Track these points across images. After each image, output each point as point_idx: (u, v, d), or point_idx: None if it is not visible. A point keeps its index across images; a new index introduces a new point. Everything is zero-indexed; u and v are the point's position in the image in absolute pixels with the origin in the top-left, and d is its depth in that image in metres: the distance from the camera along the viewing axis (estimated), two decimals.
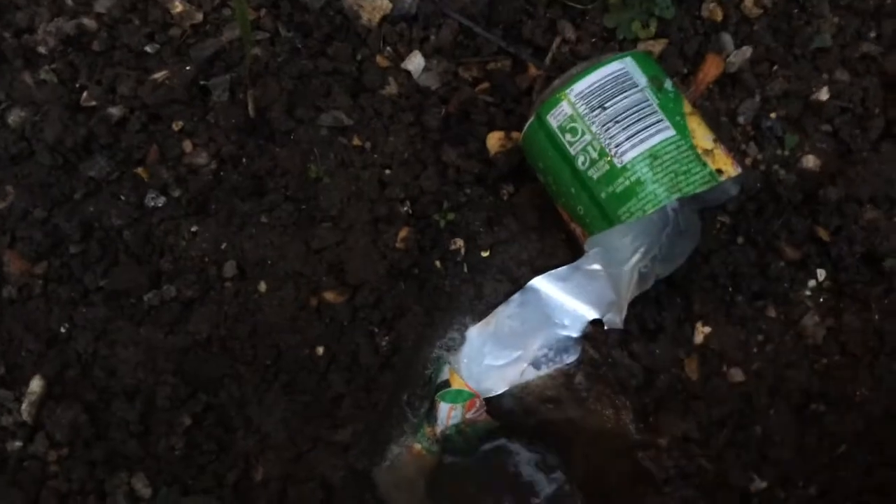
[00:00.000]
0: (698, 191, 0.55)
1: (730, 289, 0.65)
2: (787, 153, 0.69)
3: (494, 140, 0.69)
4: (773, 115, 0.69)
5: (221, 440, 0.61)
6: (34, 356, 0.61)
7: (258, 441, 0.61)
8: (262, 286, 0.63)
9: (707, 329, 0.64)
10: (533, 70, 0.71)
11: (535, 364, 0.64)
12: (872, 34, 0.70)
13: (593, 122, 0.57)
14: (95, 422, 0.60)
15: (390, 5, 0.71)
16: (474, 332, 0.64)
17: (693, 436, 0.61)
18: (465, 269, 0.67)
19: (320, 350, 0.62)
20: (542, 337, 0.64)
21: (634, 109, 0.57)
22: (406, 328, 0.63)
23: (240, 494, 0.60)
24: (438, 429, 0.62)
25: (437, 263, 0.67)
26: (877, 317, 0.64)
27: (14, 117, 0.65)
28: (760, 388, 0.63)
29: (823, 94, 0.69)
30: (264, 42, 0.69)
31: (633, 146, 0.56)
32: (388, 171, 0.67)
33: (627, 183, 0.56)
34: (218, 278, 0.63)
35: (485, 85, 0.71)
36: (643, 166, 0.56)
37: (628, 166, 0.56)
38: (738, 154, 0.67)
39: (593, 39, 0.72)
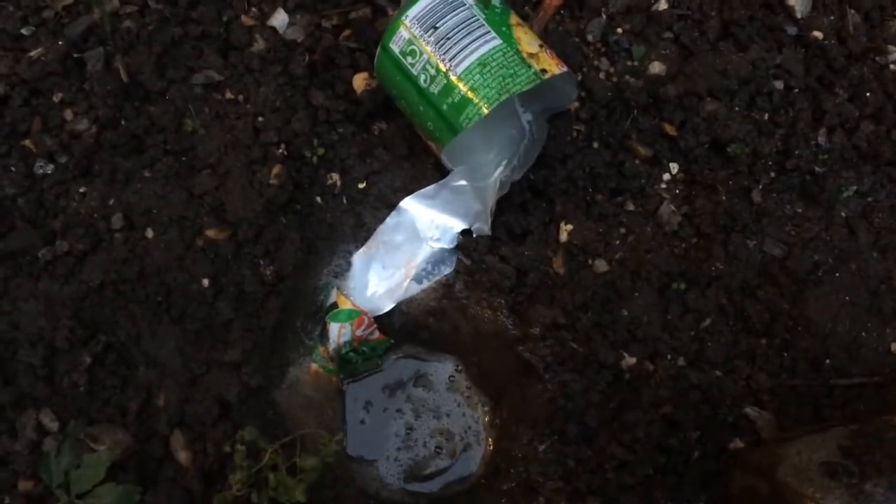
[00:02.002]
0: (525, 89, 0.76)
1: (589, 189, 0.86)
2: (635, 63, 0.90)
3: (360, 81, 0.90)
4: (619, 30, 0.91)
5: (123, 375, 0.80)
6: None
7: (157, 371, 0.80)
8: (149, 233, 0.83)
9: (570, 227, 0.84)
10: (392, 13, 0.92)
11: (417, 279, 0.84)
12: None
13: (428, 42, 0.78)
14: (3, 369, 0.79)
15: None
16: (357, 258, 0.84)
17: (560, 321, 0.81)
18: (345, 201, 0.87)
19: (206, 282, 0.81)
20: (419, 252, 0.84)
21: (463, 25, 0.78)
22: (287, 257, 0.83)
23: (143, 420, 0.79)
24: (331, 347, 0.81)
25: (318, 199, 0.87)
26: (724, 198, 0.85)
27: None
28: (624, 275, 0.83)
29: (663, 5, 0.91)
30: (134, 14, 0.91)
31: (465, 58, 0.77)
32: (260, 119, 0.87)
33: (463, 92, 0.77)
34: (107, 230, 0.84)
35: (347, 32, 0.92)
36: (475, 75, 0.77)
37: (462, 76, 0.77)
38: (592, 70, 0.88)
39: None
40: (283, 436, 0.79)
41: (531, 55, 0.78)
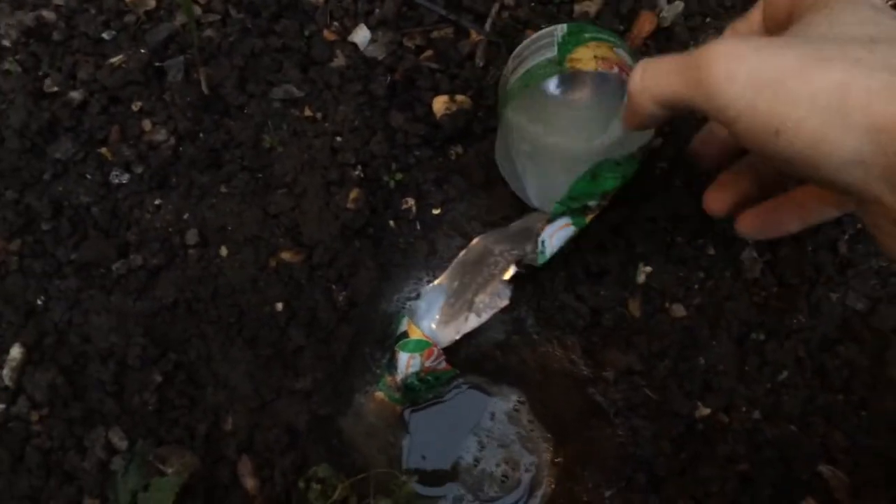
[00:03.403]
0: (542, 82, 0.71)
1: (670, 230, 0.82)
2: None
3: (440, 104, 0.86)
4: None
5: (192, 395, 0.78)
6: (14, 327, 0.79)
7: (226, 394, 0.77)
8: (224, 251, 0.80)
9: (649, 269, 0.81)
10: (474, 36, 0.89)
11: (476, 312, 0.80)
12: None
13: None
14: (73, 384, 0.77)
15: None
16: (430, 290, 0.81)
17: (636, 368, 0.78)
18: (418, 227, 0.84)
19: (280, 306, 0.78)
20: (483, 285, 0.81)
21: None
22: (361, 284, 0.80)
23: (210, 443, 0.76)
24: (399, 377, 0.78)
25: (392, 223, 0.84)
26: (810, 248, 0.80)
27: None
28: (702, 322, 0.80)
29: None
30: (216, 24, 0.87)
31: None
32: (339, 139, 0.84)
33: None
34: (181, 246, 0.81)
35: (429, 52, 0.88)
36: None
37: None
38: None
39: (532, 4, 0.89)
40: (349, 465, 0.76)
41: (575, 60, 0.71)
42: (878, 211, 0.40)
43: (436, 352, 0.79)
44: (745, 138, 0.42)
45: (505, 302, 0.80)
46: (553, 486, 0.81)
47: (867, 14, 0.41)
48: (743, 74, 0.40)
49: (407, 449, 0.81)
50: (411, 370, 0.79)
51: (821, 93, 0.37)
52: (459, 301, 0.81)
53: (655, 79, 0.47)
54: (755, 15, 0.53)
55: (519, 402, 0.82)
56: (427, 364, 0.79)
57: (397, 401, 0.80)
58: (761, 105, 0.40)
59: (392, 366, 0.79)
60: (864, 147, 0.37)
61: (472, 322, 0.80)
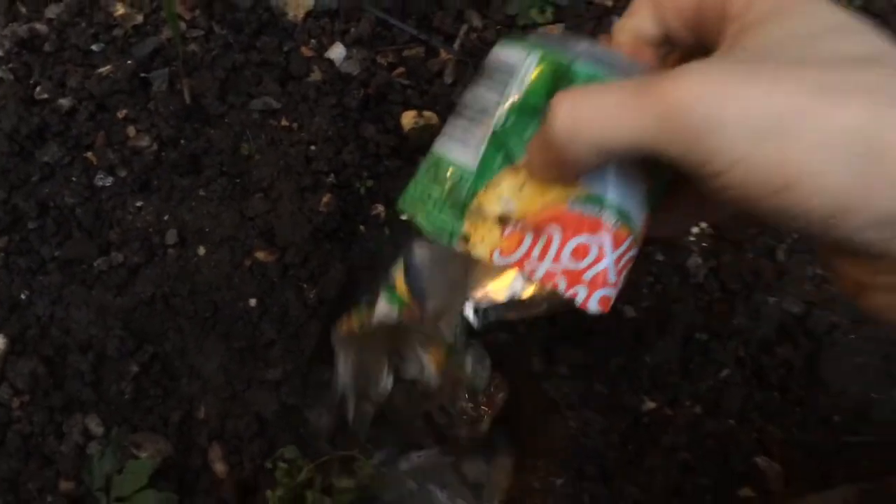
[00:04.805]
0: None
1: None
2: None
3: (408, 118, 0.90)
4: None
5: (167, 385, 0.80)
6: None
7: (199, 384, 0.80)
8: (201, 250, 0.83)
9: None
10: (444, 55, 0.93)
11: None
12: None
13: None
14: (53, 373, 0.79)
15: (313, 2, 0.93)
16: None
17: (587, 362, 0.81)
18: (387, 232, 0.87)
19: (253, 302, 0.81)
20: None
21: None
22: (330, 283, 0.83)
23: (183, 431, 0.79)
24: (372, 318, 0.70)
25: (362, 227, 0.87)
26: (750, 256, 0.85)
27: None
28: (650, 323, 0.83)
29: None
30: (199, 39, 0.91)
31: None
32: (313, 148, 0.88)
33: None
34: (161, 245, 0.84)
35: (400, 70, 0.92)
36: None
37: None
38: None
39: (498, 27, 0.94)
40: (315, 454, 0.79)
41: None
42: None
43: (415, 313, 0.73)
44: (734, 194, 0.31)
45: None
46: (510, 477, 0.83)
47: (841, 21, 0.33)
48: (733, 115, 0.29)
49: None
50: (388, 320, 0.72)
51: (844, 134, 0.28)
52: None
53: (597, 119, 0.33)
54: (643, 11, 0.41)
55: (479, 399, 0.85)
56: (404, 320, 0.73)
57: (364, 333, 0.69)
58: (763, 154, 0.29)
59: (371, 303, 0.72)
60: None
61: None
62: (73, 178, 0.85)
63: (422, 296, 0.67)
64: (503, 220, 0.39)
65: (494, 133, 0.39)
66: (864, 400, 0.81)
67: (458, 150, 0.40)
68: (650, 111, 0.31)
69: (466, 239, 0.40)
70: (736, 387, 0.82)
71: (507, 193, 0.39)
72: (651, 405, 0.81)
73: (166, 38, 0.90)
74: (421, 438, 0.82)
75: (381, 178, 0.88)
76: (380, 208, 0.87)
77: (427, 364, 0.69)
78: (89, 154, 0.86)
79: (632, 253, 0.40)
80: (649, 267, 0.85)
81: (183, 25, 0.91)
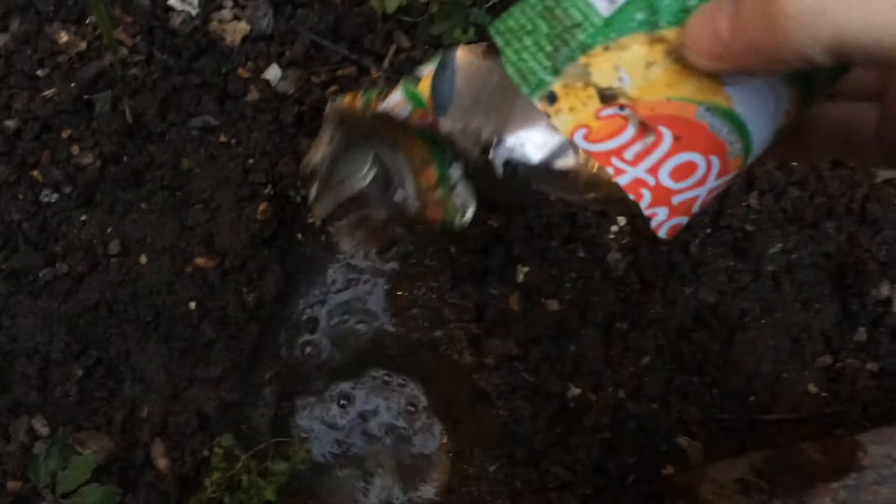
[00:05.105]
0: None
1: (545, 236, 0.91)
2: None
3: None
4: None
5: (111, 387, 0.83)
6: None
7: (142, 385, 0.83)
8: (143, 259, 0.87)
9: (527, 269, 0.89)
10: (375, 73, 0.98)
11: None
12: None
13: None
14: (0, 378, 0.82)
15: (249, 27, 0.98)
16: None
17: (514, 353, 0.86)
18: (323, 239, 0.92)
19: (193, 305, 0.85)
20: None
21: None
22: (268, 286, 0.87)
23: (126, 429, 0.82)
24: (381, 106, 0.63)
25: (299, 235, 0.91)
26: (666, 249, 0.90)
27: None
28: (573, 314, 0.88)
29: None
30: (140, 63, 0.96)
31: None
32: (251, 161, 0.92)
33: None
34: (104, 255, 0.87)
35: (334, 87, 0.98)
36: None
37: None
38: None
39: (425, 47, 1.00)
40: (254, 444, 0.82)
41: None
42: None
43: (428, 119, 0.64)
44: None
45: None
46: (447, 467, 0.87)
47: None
48: None
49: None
50: (396, 112, 0.64)
51: None
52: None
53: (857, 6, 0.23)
54: None
55: (415, 393, 0.89)
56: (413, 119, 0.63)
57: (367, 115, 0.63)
58: None
59: (386, 92, 0.64)
60: None
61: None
62: (20, 196, 0.89)
63: (443, 104, 0.52)
64: (607, 97, 0.30)
65: None
66: (776, 380, 0.86)
67: None
68: None
69: (552, 99, 0.31)
70: (657, 372, 0.87)
71: (628, 65, 0.30)
72: (576, 391, 0.86)
73: (108, 63, 0.95)
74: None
75: None
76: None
77: (411, 182, 0.59)
78: (35, 172, 0.90)
79: (725, 186, 0.34)
80: (572, 263, 0.90)
81: (125, 51, 0.95)
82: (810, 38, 0.24)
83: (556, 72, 0.30)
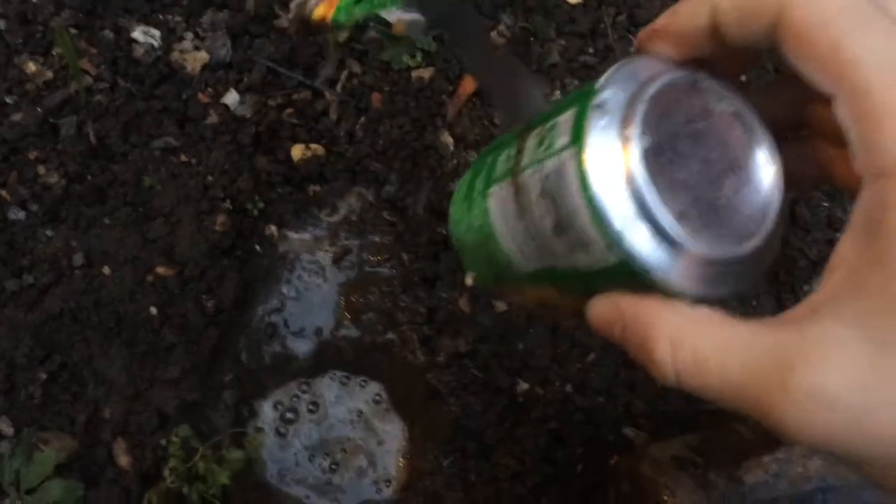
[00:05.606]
0: None
1: None
2: None
3: (298, 150, 1.00)
4: None
5: (74, 390, 0.86)
6: None
7: (105, 388, 0.86)
8: (106, 270, 0.91)
9: (474, 274, 0.94)
10: (329, 96, 1.04)
11: None
12: (590, 49, 1.06)
13: None
14: None
15: (208, 56, 1.04)
16: None
17: (463, 350, 0.89)
18: (280, 250, 0.96)
19: (154, 311, 0.89)
20: None
21: None
22: (227, 293, 0.91)
23: (89, 429, 0.84)
24: None
25: (257, 246, 0.96)
26: None
27: None
28: (520, 314, 0.92)
29: (558, 96, 1.03)
30: (105, 90, 1.01)
31: None
32: (210, 178, 0.97)
33: None
34: (69, 267, 0.91)
35: (290, 110, 1.03)
36: None
37: None
38: None
39: (376, 72, 1.06)
40: (217, 443, 0.85)
41: None
42: None
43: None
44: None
45: None
46: (405, 464, 0.90)
47: None
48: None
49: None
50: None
51: None
52: None
53: (714, 372, 0.28)
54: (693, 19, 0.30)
55: (376, 394, 0.92)
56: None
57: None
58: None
59: None
60: None
61: None
62: None
63: None
64: None
65: None
66: None
67: None
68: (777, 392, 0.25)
69: None
70: (603, 367, 0.91)
71: None
72: (524, 386, 0.90)
73: (74, 91, 1.00)
74: None
75: (273, 203, 0.97)
76: (273, 229, 0.96)
77: None
78: (2, 191, 0.94)
79: None
80: None
81: (90, 79, 1.01)
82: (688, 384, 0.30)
83: None
